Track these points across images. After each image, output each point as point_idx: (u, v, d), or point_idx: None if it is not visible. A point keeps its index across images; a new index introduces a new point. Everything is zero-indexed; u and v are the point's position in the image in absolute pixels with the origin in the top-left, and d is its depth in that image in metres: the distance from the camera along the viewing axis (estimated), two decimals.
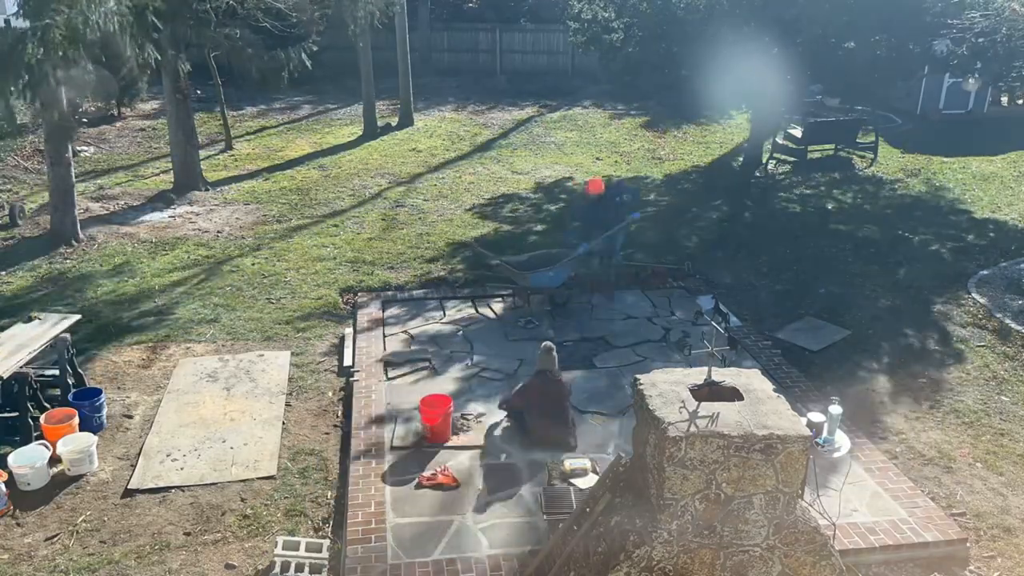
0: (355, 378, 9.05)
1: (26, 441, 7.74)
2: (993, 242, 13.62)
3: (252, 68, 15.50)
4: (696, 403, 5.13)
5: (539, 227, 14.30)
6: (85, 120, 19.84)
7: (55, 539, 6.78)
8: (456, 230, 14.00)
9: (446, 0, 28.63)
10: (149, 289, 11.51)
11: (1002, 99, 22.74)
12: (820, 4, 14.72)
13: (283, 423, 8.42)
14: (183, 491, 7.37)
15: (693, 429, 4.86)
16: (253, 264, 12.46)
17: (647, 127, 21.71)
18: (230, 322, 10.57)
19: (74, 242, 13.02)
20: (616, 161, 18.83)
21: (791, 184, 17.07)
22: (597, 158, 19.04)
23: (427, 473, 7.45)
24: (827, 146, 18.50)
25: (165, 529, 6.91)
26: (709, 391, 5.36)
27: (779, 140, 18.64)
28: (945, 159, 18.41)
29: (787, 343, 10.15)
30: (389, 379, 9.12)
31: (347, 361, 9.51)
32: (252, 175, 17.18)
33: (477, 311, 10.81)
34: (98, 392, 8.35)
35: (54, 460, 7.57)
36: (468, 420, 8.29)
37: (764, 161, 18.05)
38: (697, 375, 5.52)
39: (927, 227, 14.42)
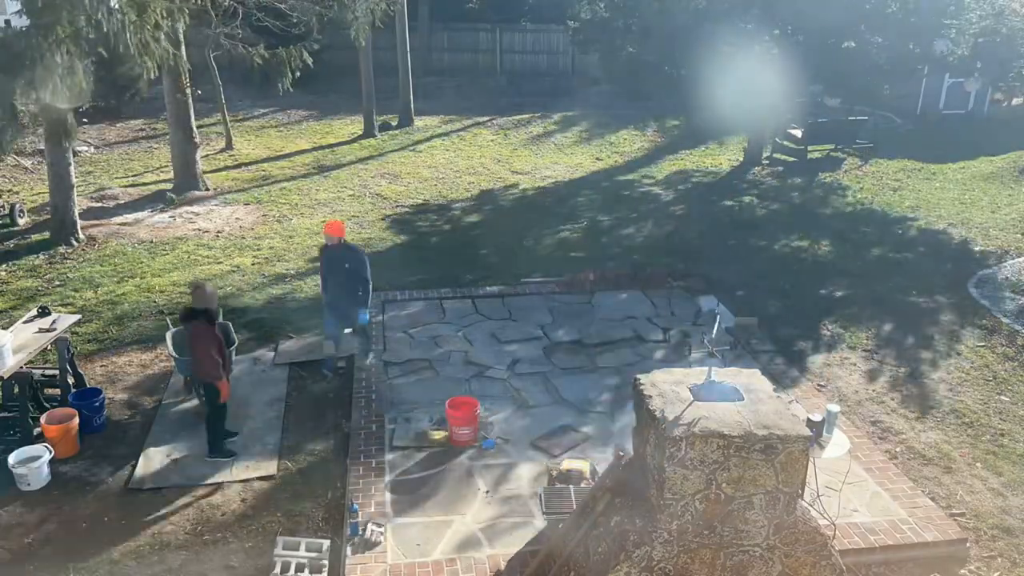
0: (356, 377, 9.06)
1: (26, 441, 7.75)
2: (991, 241, 13.61)
3: (253, 67, 15.49)
4: (688, 403, 5.13)
5: (535, 228, 14.32)
6: (85, 120, 19.83)
7: (55, 539, 6.78)
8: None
9: (446, 0, 28.57)
10: (149, 289, 11.51)
11: (1000, 99, 22.76)
12: (819, 4, 14.70)
13: (283, 423, 8.42)
14: (183, 491, 7.37)
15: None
16: (253, 264, 12.45)
17: (646, 126, 21.70)
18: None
19: (74, 242, 13.01)
20: (616, 161, 18.83)
21: (787, 184, 17.05)
22: (597, 158, 19.05)
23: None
24: (827, 146, 18.52)
25: (165, 529, 6.90)
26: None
27: (779, 140, 18.65)
28: (944, 160, 18.39)
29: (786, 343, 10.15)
30: (389, 379, 9.12)
31: (346, 362, 9.50)
32: (252, 174, 17.18)
33: (477, 311, 10.82)
34: (98, 392, 8.35)
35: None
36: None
37: (762, 160, 18.05)
38: (697, 375, 5.52)
39: (925, 226, 14.41)
